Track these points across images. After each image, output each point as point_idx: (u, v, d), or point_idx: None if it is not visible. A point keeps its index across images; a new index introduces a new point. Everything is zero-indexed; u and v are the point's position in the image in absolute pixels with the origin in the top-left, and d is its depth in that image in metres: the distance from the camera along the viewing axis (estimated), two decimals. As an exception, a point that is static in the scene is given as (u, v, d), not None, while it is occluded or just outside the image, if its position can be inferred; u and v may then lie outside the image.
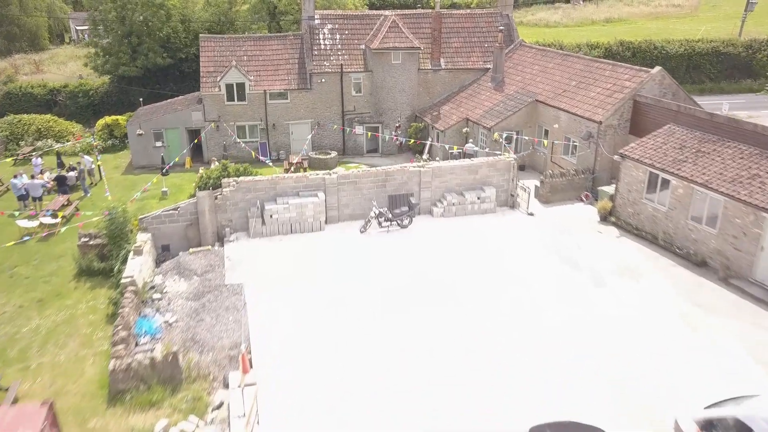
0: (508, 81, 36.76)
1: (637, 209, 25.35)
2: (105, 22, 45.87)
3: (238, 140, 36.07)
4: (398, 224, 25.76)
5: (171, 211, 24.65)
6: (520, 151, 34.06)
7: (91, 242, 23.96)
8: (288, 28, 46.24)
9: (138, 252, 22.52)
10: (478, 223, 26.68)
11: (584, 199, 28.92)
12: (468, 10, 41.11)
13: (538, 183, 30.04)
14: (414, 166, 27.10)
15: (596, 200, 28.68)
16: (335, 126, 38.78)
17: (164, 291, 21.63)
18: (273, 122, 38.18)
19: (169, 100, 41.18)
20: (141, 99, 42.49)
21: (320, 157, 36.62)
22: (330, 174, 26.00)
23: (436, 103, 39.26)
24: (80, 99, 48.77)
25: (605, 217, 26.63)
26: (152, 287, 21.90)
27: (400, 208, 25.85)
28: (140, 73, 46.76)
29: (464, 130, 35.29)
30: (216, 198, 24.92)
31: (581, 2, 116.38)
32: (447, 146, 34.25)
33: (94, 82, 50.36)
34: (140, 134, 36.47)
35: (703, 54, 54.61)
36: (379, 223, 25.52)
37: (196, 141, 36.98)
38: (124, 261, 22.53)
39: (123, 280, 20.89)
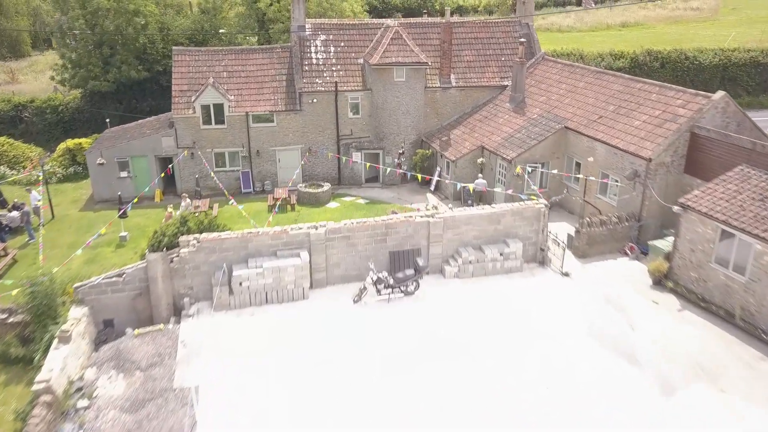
0: (530, 102, 31.51)
1: (703, 275, 20.07)
2: (73, 30, 40.75)
3: (213, 174, 30.79)
4: (401, 291, 20.55)
5: (114, 279, 19.48)
6: (545, 186, 28.81)
7: (9, 320, 18.82)
8: (278, 38, 41.09)
9: (64, 339, 17.35)
10: (501, 286, 21.48)
11: (629, 253, 23.66)
12: (482, 18, 35.82)
13: (571, 230, 24.81)
14: (422, 215, 21.87)
15: (643, 253, 23.45)
16: (330, 154, 33.59)
17: (94, 396, 16.45)
18: (257, 148, 33.01)
19: (139, 122, 36.05)
20: (107, 119, 37.35)
21: (310, 190, 31.40)
22: (316, 228, 20.78)
23: (446, 126, 34.03)
24: (48, 116, 43.62)
25: (659, 281, 21.37)
26: (79, 389, 16.73)
27: (404, 271, 20.62)
28: (112, 87, 41.64)
29: (479, 160, 30.04)
30: (172, 261, 19.75)
31: (593, 5, 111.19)
32: (459, 185, 28.98)
33: (65, 96, 45.26)
34: (101, 163, 31.33)
35: (740, 65, 49.25)
36: (378, 291, 20.31)
37: (164, 174, 31.77)
38: (47, 350, 17.39)
39: (36, 386, 15.72)
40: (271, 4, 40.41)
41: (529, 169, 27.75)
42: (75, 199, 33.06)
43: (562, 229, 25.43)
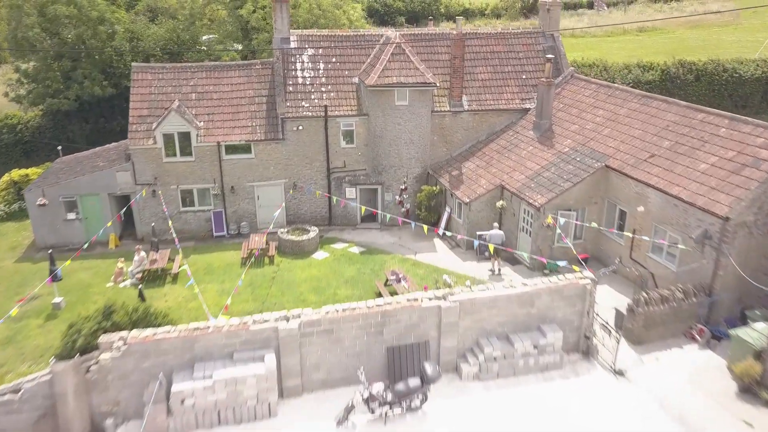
0: (558, 130, 26.13)
1: (815, 388, 14.69)
2: (28, 40, 35.49)
3: (170, 223, 25.20)
4: (403, 407, 15.19)
5: (7, 396, 14.16)
6: (580, 236, 23.47)
7: None
8: (262, 50, 35.78)
9: None
10: (536, 392, 16.13)
11: (698, 338, 18.27)
12: (500, 29, 30.48)
13: (615, 298, 19.48)
14: (431, 297, 16.49)
15: (715, 338, 18.10)
16: (318, 192, 28.23)
17: None
18: (231, 184, 27.68)
19: (96, 150, 30.76)
20: (59, 147, 32.10)
21: (293, 238, 26.00)
22: (287, 320, 15.41)
23: (457, 156, 28.65)
24: (5, 136, 38.36)
25: (749, 389, 15.98)
26: None
27: (407, 381, 15.24)
28: (73, 106, 36.39)
29: (499, 203, 24.68)
30: (89, 370, 14.43)
31: (605, 8, 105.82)
32: (476, 242, 23.63)
33: (24, 113, 40.04)
34: (42, 204, 26.06)
35: (785, 78, 43.81)
36: (371, 410, 14.94)
37: (119, 216, 26.44)
38: None
39: None
40: (254, 11, 35.10)
41: (562, 220, 22.36)
42: (15, 244, 27.76)
43: (603, 296, 20.11)
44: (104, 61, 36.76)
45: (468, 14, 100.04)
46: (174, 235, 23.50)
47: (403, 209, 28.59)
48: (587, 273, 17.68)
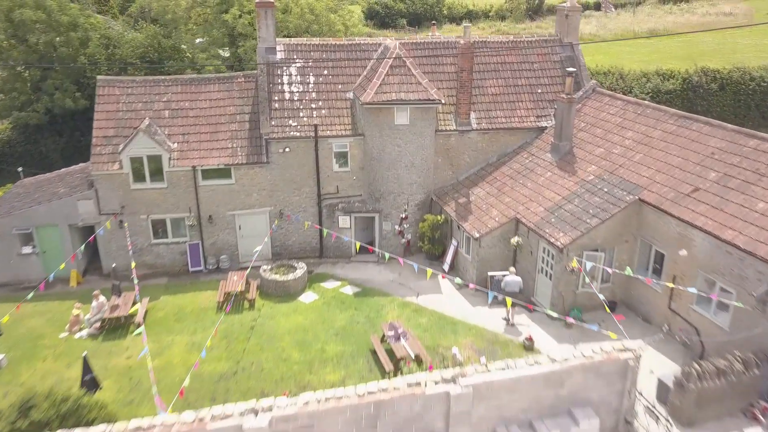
0: (580, 154, 22.90)
1: None
2: (-7, 48, 32.41)
3: (132, 264, 21.77)
4: None
5: None
6: (607, 279, 20.27)
7: None
8: (249, 58, 32.55)
9: None
10: (568, 499, 12.90)
11: (761, 418, 15.04)
12: (512, 37, 27.24)
13: (653, 360, 16.28)
14: (437, 380, 13.25)
15: (783, 419, 14.85)
16: (306, 223, 25.04)
17: None
18: (209, 213, 24.51)
19: (60, 172, 27.57)
20: (20, 169, 28.93)
21: (277, 278, 22.76)
22: (255, 414, 12.17)
23: (464, 181, 25.44)
24: (-33, 151, 35.29)
25: (837, 497, 12.73)
26: None
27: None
28: (44, 119, 33.26)
29: (514, 240, 21.45)
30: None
31: (613, 9, 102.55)
32: (490, 294, 20.48)
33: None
34: (-8, 238, 22.94)
35: (818, 87, 40.55)
36: None
37: (72, 257, 23.18)
38: None
39: None
40: (240, 16, 31.89)
41: (589, 264, 19.14)
42: (-38, 282, 24.58)
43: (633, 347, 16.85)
44: (77, 70, 33.60)
45: (472, 16, 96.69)
46: (135, 281, 20.20)
47: (404, 240, 25.39)
48: (629, 342, 14.41)
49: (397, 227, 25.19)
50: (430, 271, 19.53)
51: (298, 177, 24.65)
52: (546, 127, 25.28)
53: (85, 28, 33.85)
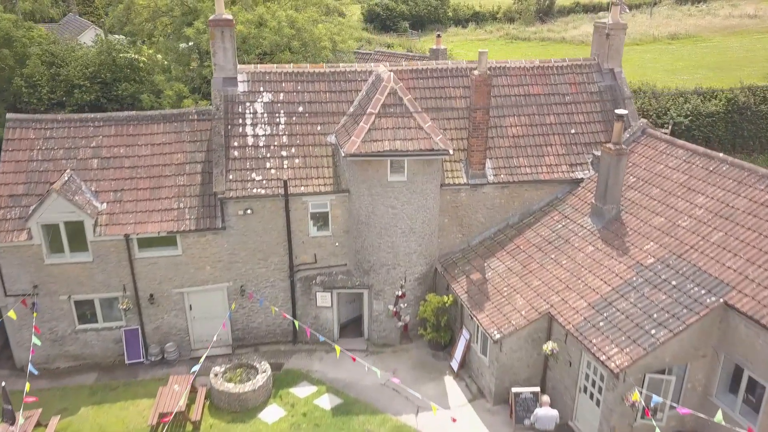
0: (632, 222, 17.38)
1: None
2: None
3: (29, 368, 16.11)
4: None
5: None
6: (678, 400, 14.77)
7: None
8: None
9: None
10: None
11: None
12: (537, 61, 21.68)
13: None
14: None
15: None
16: (274, 309, 19.56)
17: None
18: (149, 291, 19.06)
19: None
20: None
21: (230, 388, 17.19)
22: None
23: (477, 246, 19.94)
24: None
25: None
26: None
27: None
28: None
29: (547, 347, 15.93)
30: None
31: (627, 10, 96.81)
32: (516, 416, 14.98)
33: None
34: None
35: None
36: None
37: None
38: None
39: None
40: (204, 31, 26.35)
41: (655, 398, 13.66)
42: None
43: None
44: (12, 93, 28.13)
45: (478, 18, 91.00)
46: (26, 391, 14.83)
47: (400, 323, 19.92)
48: None
49: (391, 307, 19.70)
50: (435, 408, 14.00)
51: (265, 244, 19.18)
52: (582, 179, 19.76)
53: (23, 43, 28.39)
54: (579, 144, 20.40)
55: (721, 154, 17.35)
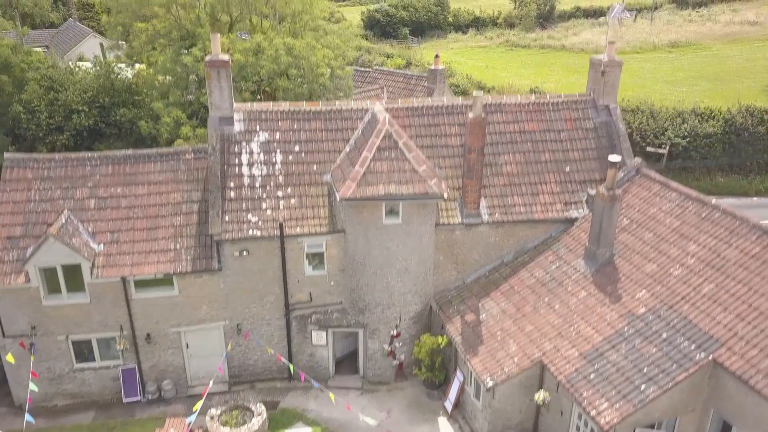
0: (624, 267, 17.50)
1: None
2: None
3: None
4: None
5: None
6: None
7: None
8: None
9: None
10: None
11: None
12: (533, 97, 21.73)
13: None
14: None
15: None
16: (270, 350, 19.75)
17: None
18: (146, 331, 19.23)
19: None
20: None
21: (228, 432, 17.48)
22: None
23: (472, 285, 20.06)
24: None
25: None
26: None
27: None
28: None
29: (539, 397, 16.09)
30: None
31: (628, 15, 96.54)
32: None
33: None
34: None
35: None
36: None
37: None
38: None
39: None
40: (201, 59, 26.41)
41: (648, 454, 13.84)
42: None
43: None
44: (12, 119, 28.26)
45: (478, 23, 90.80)
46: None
47: (395, 362, 20.10)
48: None
49: (386, 346, 19.87)
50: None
51: (260, 284, 19.33)
52: (576, 219, 19.87)
53: (21, 68, 28.49)
54: (574, 182, 20.49)
55: (713, 200, 17.46)
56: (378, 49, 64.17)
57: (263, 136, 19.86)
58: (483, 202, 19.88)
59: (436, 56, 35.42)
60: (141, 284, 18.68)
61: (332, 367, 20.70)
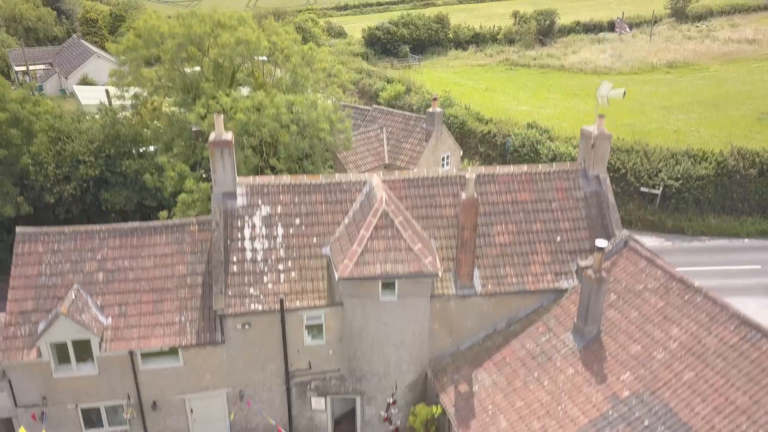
0: (611, 345, 18.27)
1: None
2: None
3: None
4: None
5: None
6: None
7: None
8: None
9: None
10: None
11: None
12: (525, 167, 22.49)
13: None
14: None
15: None
16: (271, 421, 20.56)
17: None
18: (153, 399, 20.05)
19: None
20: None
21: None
22: None
23: (466, 352, 20.85)
24: None
25: None
26: None
27: None
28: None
29: (527, 477, 16.89)
30: None
31: (628, 30, 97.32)
32: None
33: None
34: None
35: None
36: None
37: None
38: None
39: None
40: (204, 116, 27.15)
41: None
42: None
43: None
44: (21, 169, 29.10)
45: (478, 40, 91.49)
46: None
47: (392, 428, 20.87)
48: None
49: (383, 413, 20.68)
50: None
51: (262, 353, 20.15)
52: (566, 289, 20.63)
53: (29, 120, 29.29)
54: (564, 252, 21.25)
55: (696, 284, 18.21)
56: (378, 72, 64.81)
57: (265, 209, 20.65)
58: (476, 273, 20.64)
59: (434, 99, 36.29)
60: (148, 355, 19.49)
61: (331, 429, 21.50)
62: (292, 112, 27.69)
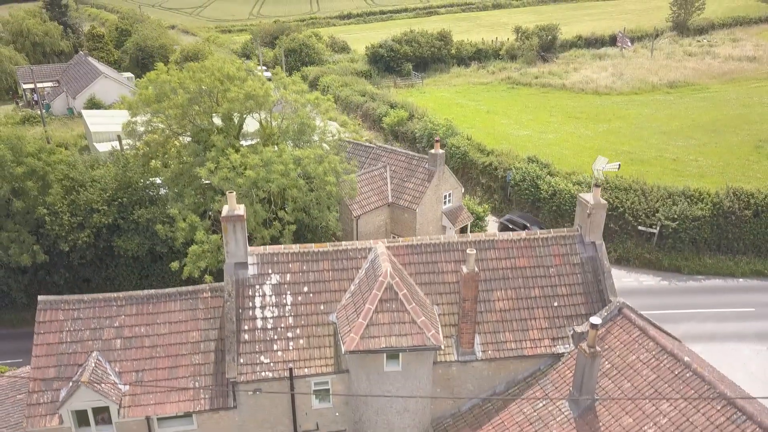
0: (604, 417, 19.19)
1: None
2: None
3: None
4: None
5: None
6: None
7: None
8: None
9: None
10: None
11: None
12: (524, 233, 23.40)
13: None
14: None
15: None
16: (279, 484, 21.59)
17: None
18: (168, 460, 21.05)
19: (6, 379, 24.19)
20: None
21: None
22: None
23: (466, 414, 21.81)
24: None
25: None
26: None
27: None
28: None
29: None
30: None
31: (629, 45, 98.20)
32: None
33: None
34: None
35: None
36: None
37: None
38: None
39: None
40: (213, 170, 28.09)
41: None
42: None
43: None
44: (36, 219, 30.09)
45: (481, 55, 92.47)
46: None
47: (395, 485, 21.83)
48: None
49: (387, 472, 21.64)
50: None
51: (272, 416, 21.13)
52: (563, 354, 21.58)
53: (45, 171, 30.27)
54: (561, 317, 22.19)
55: (686, 358, 19.13)
56: (381, 96, 65.72)
57: (275, 278, 21.61)
58: (477, 339, 21.60)
59: (437, 140, 37.17)
60: (163, 420, 20.46)
61: (337, 486, 22.47)
62: (299, 166, 28.67)
